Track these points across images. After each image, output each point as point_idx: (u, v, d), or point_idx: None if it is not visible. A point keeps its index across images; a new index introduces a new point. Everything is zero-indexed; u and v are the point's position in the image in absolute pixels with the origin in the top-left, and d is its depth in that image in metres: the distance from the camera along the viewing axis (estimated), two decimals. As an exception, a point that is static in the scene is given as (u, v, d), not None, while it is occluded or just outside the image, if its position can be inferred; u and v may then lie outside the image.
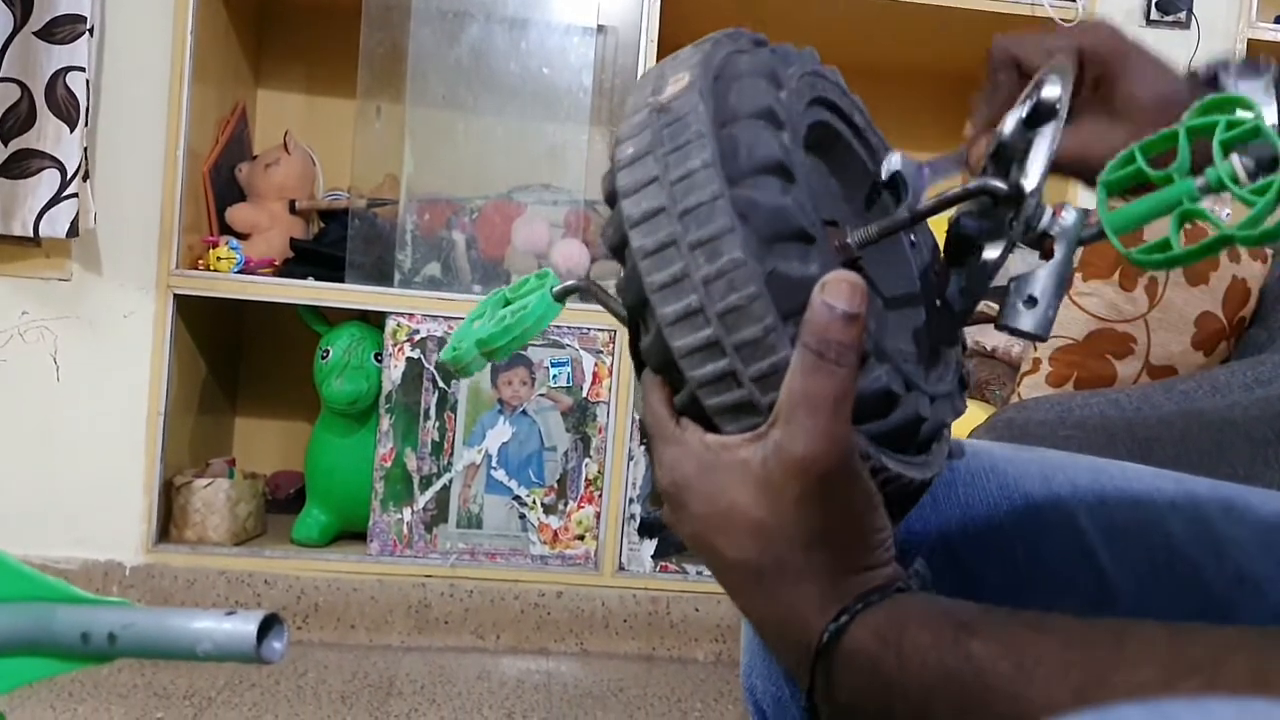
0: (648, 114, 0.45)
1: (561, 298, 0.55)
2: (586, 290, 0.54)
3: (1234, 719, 0.21)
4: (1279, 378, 1.32)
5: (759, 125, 0.43)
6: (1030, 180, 0.46)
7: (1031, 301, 0.46)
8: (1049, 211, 0.46)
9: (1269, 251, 1.67)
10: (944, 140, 2.52)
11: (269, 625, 0.43)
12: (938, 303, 0.53)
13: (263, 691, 1.70)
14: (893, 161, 0.50)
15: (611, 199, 0.45)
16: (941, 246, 0.54)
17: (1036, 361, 1.60)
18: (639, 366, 0.47)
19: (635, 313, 0.45)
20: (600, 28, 2.13)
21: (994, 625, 0.38)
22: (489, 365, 1.98)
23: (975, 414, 1.56)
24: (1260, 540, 0.53)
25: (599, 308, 1.96)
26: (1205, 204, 0.41)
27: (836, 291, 0.40)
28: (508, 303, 0.57)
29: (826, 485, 0.40)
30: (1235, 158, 0.40)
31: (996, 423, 1.41)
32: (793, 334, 0.41)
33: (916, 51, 2.26)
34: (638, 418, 2.01)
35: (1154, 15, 2.13)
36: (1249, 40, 2.13)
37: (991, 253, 0.47)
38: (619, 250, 0.45)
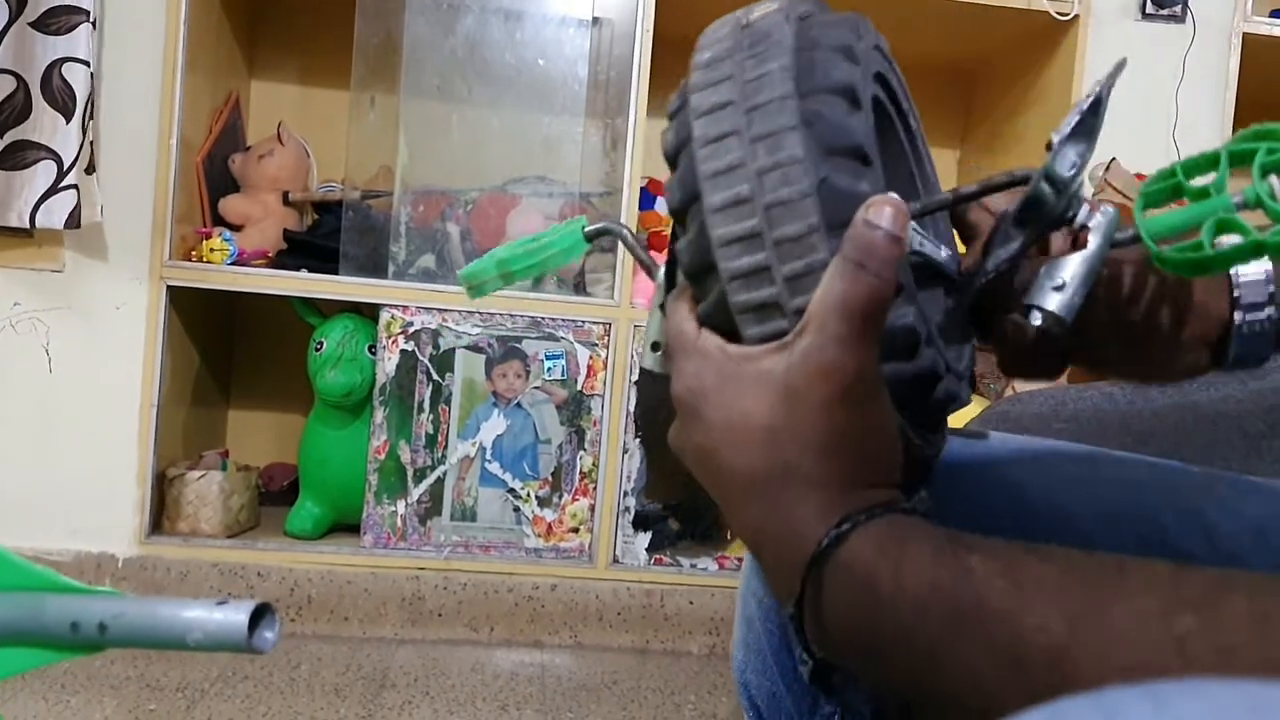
0: (733, 28, 0.46)
1: (592, 238, 0.56)
2: (618, 233, 0.55)
3: (1229, 699, 0.21)
4: (1273, 371, 1.32)
5: (837, 55, 0.45)
6: (1072, 170, 0.47)
7: (1061, 286, 0.47)
8: (1087, 207, 0.48)
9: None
10: (939, 132, 2.53)
11: (260, 615, 0.43)
12: (947, 286, 0.54)
13: (256, 684, 1.69)
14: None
15: (677, 109, 0.46)
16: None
17: (1031, 355, 1.60)
18: (670, 286, 0.48)
19: (680, 212, 0.45)
20: (595, 20, 2.12)
21: (994, 547, 0.38)
22: (485, 358, 1.96)
23: (970, 407, 1.56)
24: (1253, 529, 0.54)
25: (594, 300, 1.94)
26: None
27: (881, 212, 0.41)
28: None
29: (849, 395, 0.41)
30: (1273, 178, 0.42)
31: (990, 416, 1.41)
32: (833, 245, 0.42)
33: (912, 43, 2.25)
34: (633, 411, 2.01)
35: (1149, 9, 2.13)
36: (1244, 34, 2.13)
37: (1013, 244, 0.48)
38: (677, 151, 0.45)
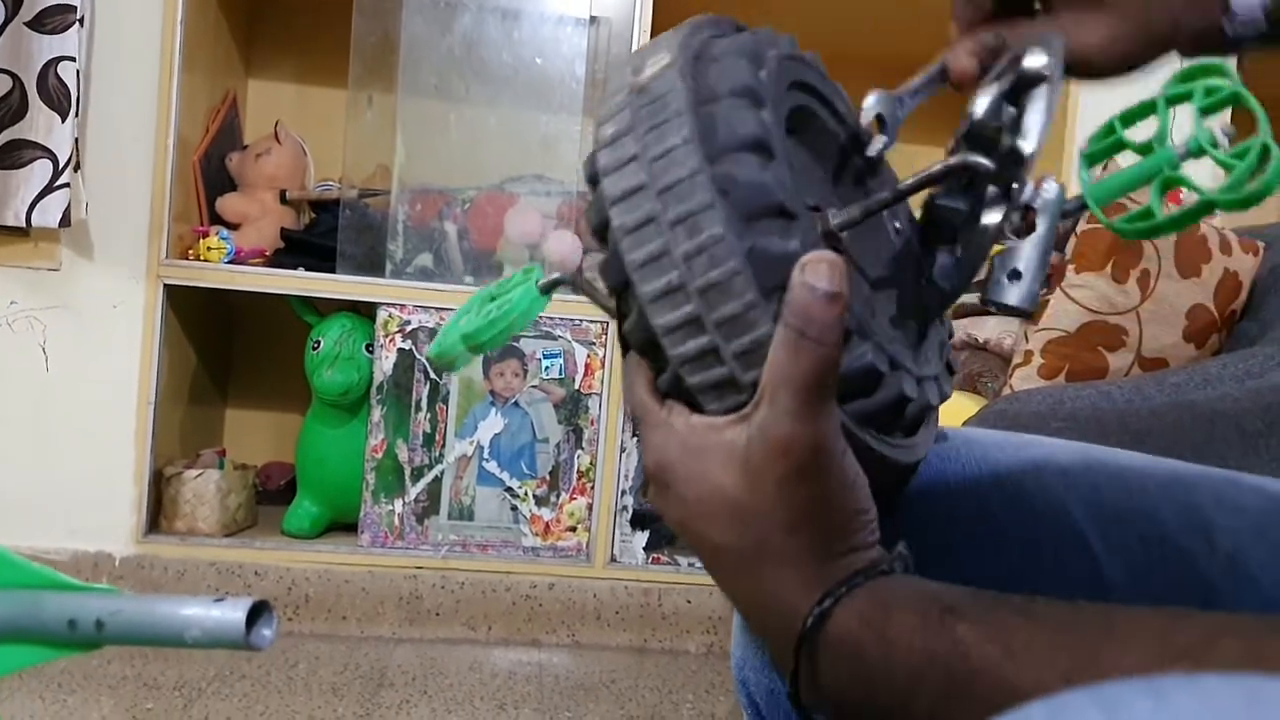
0: (627, 95, 0.44)
1: (547, 290, 0.54)
2: (573, 283, 0.54)
3: (1228, 693, 0.21)
4: (1270, 370, 1.32)
5: (739, 103, 0.43)
6: (1029, 143, 0.45)
7: (1015, 275, 0.46)
8: (1030, 185, 0.46)
9: (1260, 244, 1.67)
10: (929, 131, 2.52)
11: (258, 612, 0.42)
12: (922, 282, 0.53)
13: (253, 683, 1.69)
14: (870, 104, 0.49)
15: (594, 181, 0.45)
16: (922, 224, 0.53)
17: (1028, 354, 1.60)
18: (625, 351, 0.47)
19: (618, 293, 0.45)
20: (593, 19, 2.12)
21: (981, 609, 0.38)
22: (480, 358, 1.97)
23: (967, 406, 1.56)
24: (1252, 526, 0.53)
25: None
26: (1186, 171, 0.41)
27: (816, 271, 0.39)
28: (494, 299, 0.56)
29: (809, 467, 0.40)
30: (1215, 124, 0.40)
31: (988, 415, 1.41)
32: (774, 310, 0.41)
33: (904, 41, 2.25)
34: (629, 409, 2.01)
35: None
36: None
37: (990, 218, 0.46)
38: (602, 231, 0.44)
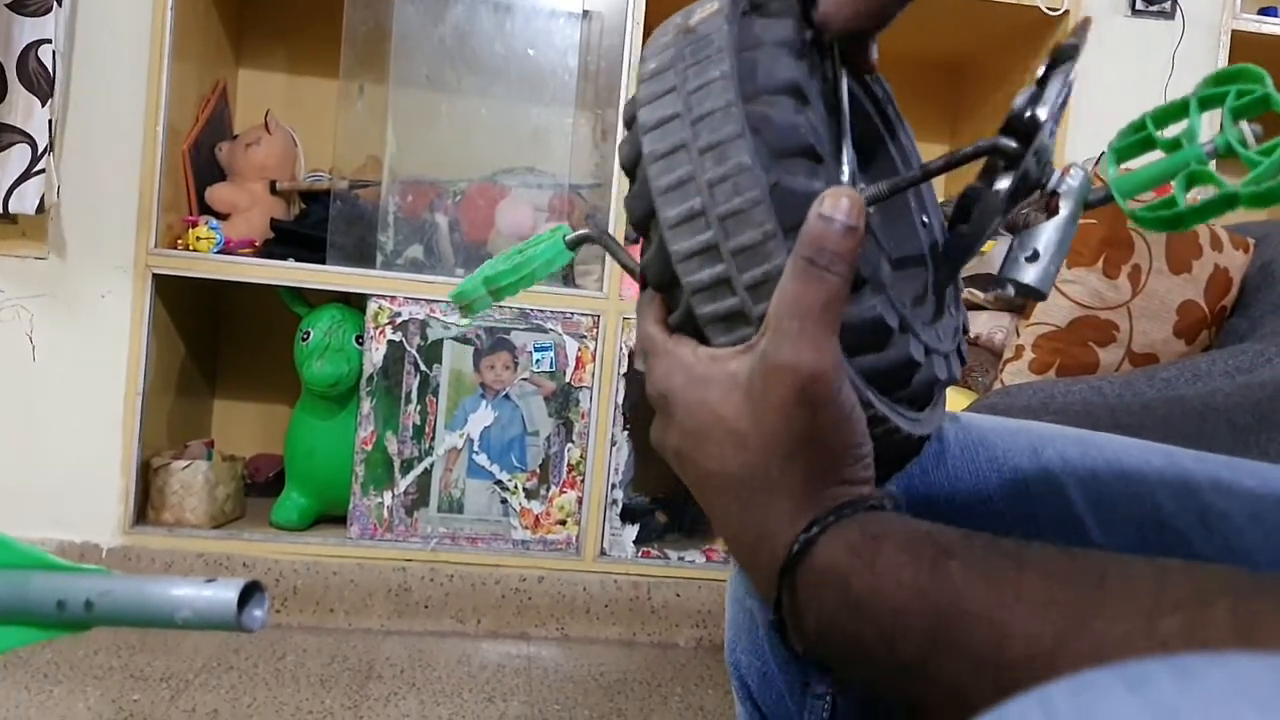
0: (674, 35, 0.46)
1: (574, 245, 0.56)
2: (599, 239, 0.55)
3: (1259, 672, 0.21)
4: (1260, 365, 1.32)
5: (780, 52, 0.44)
6: (1044, 110, 0.46)
7: (1034, 256, 0.46)
8: (1057, 172, 0.47)
9: (1251, 241, 1.68)
10: (933, 128, 2.53)
11: (249, 593, 0.42)
12: (936, 261, 0.53)
13: (241, 674, 1.69)
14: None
15: (632, 120, 0.46)
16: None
17: (1019, 348, 1.60)
18: (643, 289, 0.48)
19: (641, 225, 0.45)
20: (585, 12, 2.11)
21: (975, 552, 0.37)
22: (473, 354, 1.96)
23: (958, 400, 1.56)
24: (1248, 512, 0.53)
25: (583, 292, 1.94)
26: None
27: (834, 204, 0.40)
28: (521, 253, 0.57)
29: (808, 394, 0.40)
30: (1244, 124, 0.41)
31: (979, 409, 1.41)
32: (790, 248, 0.41)
33: (904, 39, 2.25)
34: (622, 403, 2.01)
35: (1139, 6, 2.13)
36: (1233, 31, 2.14)
37: (1003, 183, 0.47)
38: (633, 165, 0.45)
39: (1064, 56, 0.48)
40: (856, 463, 0.42)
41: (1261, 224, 1.77)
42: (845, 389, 0.41)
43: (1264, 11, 2.20)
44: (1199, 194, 0.42)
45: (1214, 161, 0.42)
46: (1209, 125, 0.42)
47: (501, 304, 1.97)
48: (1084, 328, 1.57)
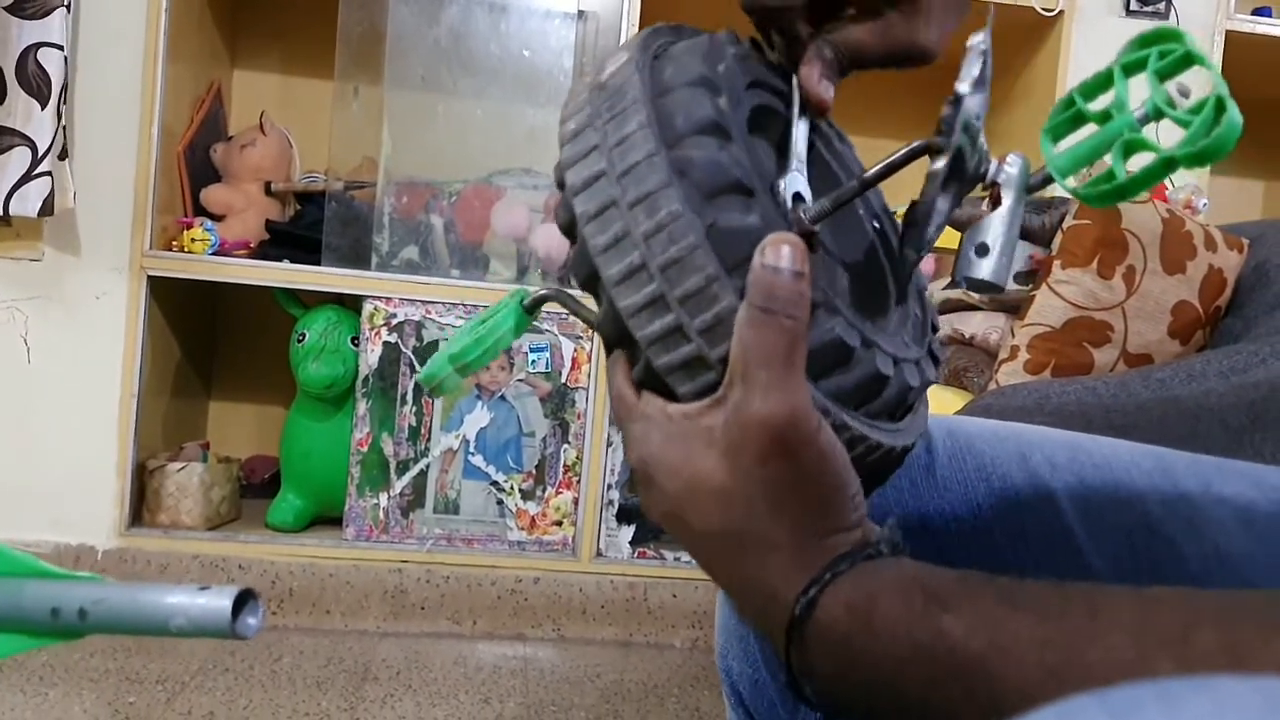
0: (590, 92, 0.46)
1: (532, 309, 0.55)
2: (557, 298, 0.55)
3: (1242, 697, 0.21)
4: (1254, 366, 1.32)
5: (695, 91, 0.44)
6: (961, 84, 0.46)
7: (984, 249, 0.46)
8: (994, 161, 0.47)
9: (1245, 241, 1.68)
10: (925, 130, 2.53)
11: (244, 600, 0.42)
12: (893, 265, 0.53)
13: (236, 676, 1.68)
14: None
15: (561, 181, 0.46)
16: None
17: (1014, 349, 1.60)
18: (608, 351, 0.47)
19: (588, 286, 0.45)
20: (581, 12, 2.11)
21: (966, 598, 0.38)
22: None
23: (953, 401, 1.56)
24: (1238, 517, 0.53)
25: (578, 293, 1.94)
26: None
27: (776, 253, 0.40)
28: (484, 322, 0.57)
29: (786, 442, 0.40)
30: (1170, 84, 0.41)
31: (973, 410, 1.41)
32: (737, 286, 0.41)
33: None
34: (612, 405, 2.00)
35: (1133, 6, 2.14)
36: (1227, 31, 2.15)
37: (937, 164, 0.46)
38: (570, 228, 0.45)
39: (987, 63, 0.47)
40: (845, 504, 0.42)
41: (1256, 224, 1.77)
42: (823, 429, 0.41)
43: (1258, 12, 2.20)
44: (1137, 161, 0.42)
45: (1146, 127, 0.42)
46: (1136, 92, 0.42)
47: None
48: (1079, 328, 1.57)
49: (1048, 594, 0.37)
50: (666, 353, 0.43)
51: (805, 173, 0.49)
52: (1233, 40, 2.15)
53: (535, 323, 1.96)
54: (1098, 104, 0.43)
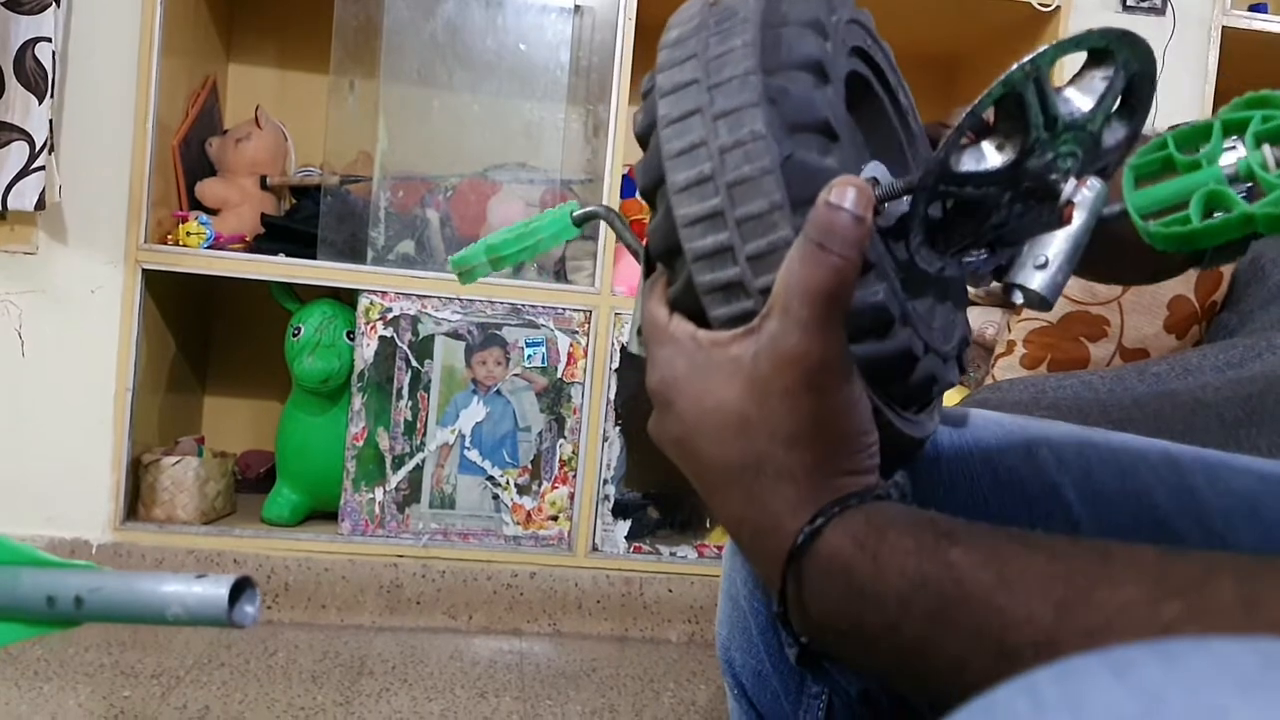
0: (701, 5, 0.45)
1: (581, 222, 0.55)
2: (605, 217, 0.55)
3: (1242, 656, 0.21)
4: (1250, 360, 1.33)
5: (805, 31, 0.44)
6: (1073, 90, 0.45)
7: (1044, 264, 0.45)
8: (1073, 182, 0.46)
9: (1241, 236, 1.68)
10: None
11: (240, 589, 0.42)
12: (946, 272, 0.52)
13: (232, 670, 1.68)
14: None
15: (647, 90, 0.45)
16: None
17: (1010, 344, 1.60)
18: (647, 273, 0.47)
19: (649, 194, 0.45)
20: (577, 7, 2.11)
21: (977, 535, 0.37)
22: (464, 348, 1.95)
23: (949, 396, 1.56)
24: (1244, 508, 0.53)
25: (575, 288, 1.92)
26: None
27: (842, 193, 0.40)
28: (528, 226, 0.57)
29: (815, 381, 0.40)
30: (1267, 148, 0.40)
31: (970, 404, 1.41)
32: (798, 223, 0.41)
33: (895, 34, 2.25)
34: (613, 399, 2.00)
35: (1130, 2, 2.14)
36: (1223, 27, 2.15)
37: (1002, 154, 0.45)
38: (647, 133, 0.45)
39: (1103, 56, 0.46)
40: (861, 450, 0.42)
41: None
42: (851, 378, 0.41)
43: (1254, 8, 2.20)
44: (1215, 215, 0.41)
45: (1235, 185, 0.41)
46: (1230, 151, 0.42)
47: (494, 302, 1.97)
48: (1075, 323, 1.57)
49: (1061, 539, 0.36)
50: (711, 271, 0.42)
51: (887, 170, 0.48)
52: (1229, 36, 2.15)
53: (532, 319, 1.96)
54: (1189, 153, 0.43)
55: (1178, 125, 0.44)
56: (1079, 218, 0.46)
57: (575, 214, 0.56)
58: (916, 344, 0.45)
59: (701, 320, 0.44)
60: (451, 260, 0.58)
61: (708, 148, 0.42)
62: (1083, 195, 0.46)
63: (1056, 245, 0.45)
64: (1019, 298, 0.46)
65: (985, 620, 0.35)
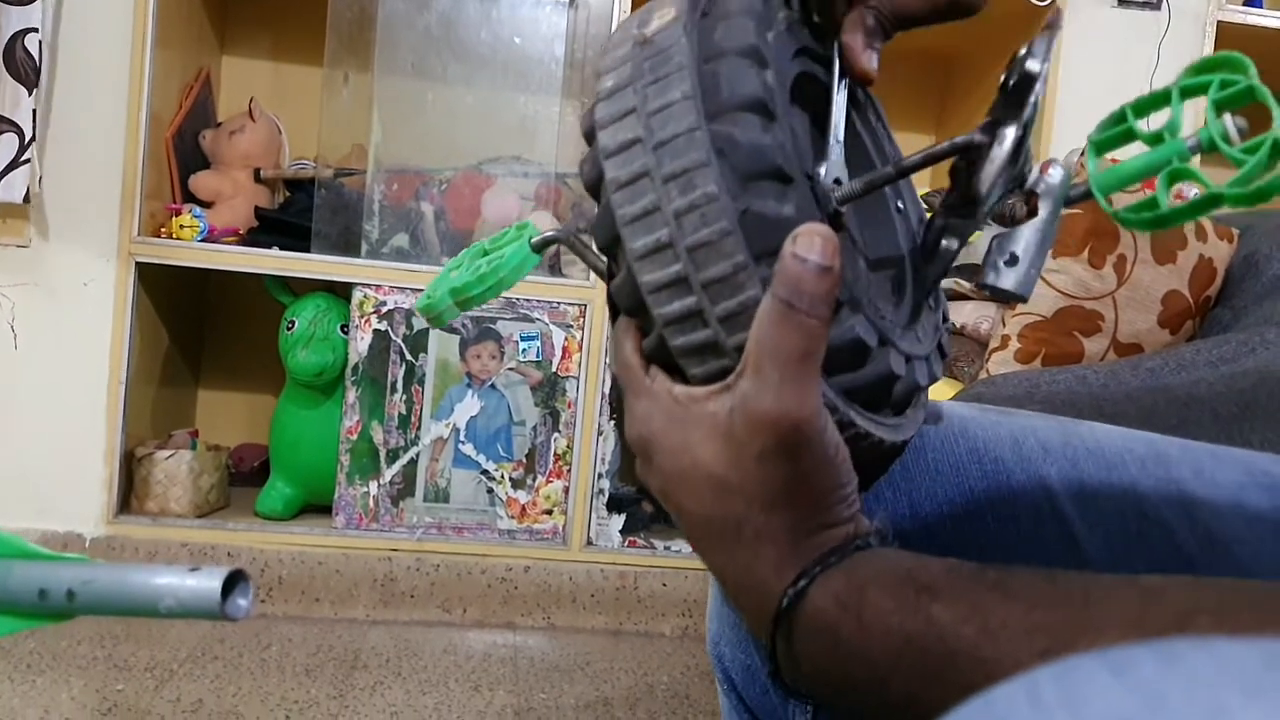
0: (630, 47, 0.44)
1: (540, 249, 0.54)
2: (565, 241, 0.53)
3: (1243, 655, 0.21)
4: (1243, 355, 1.33)
5: (743, 63, 0.42)
6: (1034, 62, 0.44)
7: (1013, 260, 0.44)
8: (1035, 169, 0.45)
9: (1235, 231, 1.68)
10: (918, 119, 2.53)
11: (234, 581, 0.42)
12: (919, 262, 0.52)
13: (225, 664, 1.68)
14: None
15: (590, 135, 0.44)
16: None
17: (1005, 338, 1.60)
18: (614, 314, 0.46)
19: (608, 250, 0.44)
20: (572, 1, 2.11)
21: (957, 586, 0.37)
22: (459, 323, 1.95)
23: (944, 390, 1.56)
24: (1230, 500, 0.53)
25: (570, 281, 1.93)
26: (1195, 164, 0.41)
27: (808, 244, 0.39)
28: (486, 254, 0.56)
29: (789, 443, 0.39)
30: (1228, 118, 0.39)
31: (964, 399, 1.41)
32: (764, 275, 0.40)
33: (931, 34, 2.25)
34: (608, 393, 2.00)
35: (1125, -4, 2.14)
36: (1218, 22, 2.15)
37: (1007, 136, 0.45)
38: (595, 186, 0.43)
39: (1050, 25, 0.46)
40: (840, 503, 0.41)
41: (1245, 214, 1.78)
42: (828, 430, 0.40)
43: (1249, 3, 2.20)
44: (1183, 189, 0.41)
45: (1197, 157, 0.41)
46: (1192, 116, 0.41)
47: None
48: (1069, 317, 1.57)
49: (1041, 583, 0.36)
50: (683, 335, 0.42)
51: (843, 154, 0.47)
52: (1224, 31, 2.15)
53: (526, 313, 1.96)
54: (1149, 123, 0.42)
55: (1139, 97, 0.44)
56: (1044, 207, 0.45)
57: (534, 240, 0.54)
58: (897, 361, 0.45)
59: (678, 372, 0.43)
60: (417, 307, 0.57)
61: (662, 213, 0.41)
62: (1045, 183, 0.45)
63: (1024, 239, 0.45)
64: (989, 295, 0.45)
65: (971, 675, 0.35)
